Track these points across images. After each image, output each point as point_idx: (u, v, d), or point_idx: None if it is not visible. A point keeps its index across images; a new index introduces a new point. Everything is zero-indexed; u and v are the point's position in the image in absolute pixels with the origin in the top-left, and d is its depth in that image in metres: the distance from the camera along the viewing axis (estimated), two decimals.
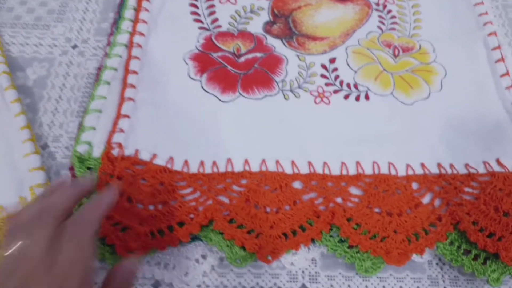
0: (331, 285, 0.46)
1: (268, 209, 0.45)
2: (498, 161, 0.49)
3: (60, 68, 0.58)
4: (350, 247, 0.45)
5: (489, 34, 0.58)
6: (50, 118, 0.54)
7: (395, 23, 0.61)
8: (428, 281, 0.46)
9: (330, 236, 0.45)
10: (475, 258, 0.45)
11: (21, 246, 0.29)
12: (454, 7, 0.62)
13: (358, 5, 0.62)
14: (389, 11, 0.62)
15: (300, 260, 0.46)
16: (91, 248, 0.31)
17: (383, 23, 0.61)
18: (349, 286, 0.46)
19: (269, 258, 0.43)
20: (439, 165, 0.49)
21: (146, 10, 0.58)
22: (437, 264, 0.47)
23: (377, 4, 0.63)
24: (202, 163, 0.47)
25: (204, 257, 0.46)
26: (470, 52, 0.58)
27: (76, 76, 0.57)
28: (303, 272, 0.46)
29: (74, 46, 0.59)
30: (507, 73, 0.55)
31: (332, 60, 0.57)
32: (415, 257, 0.46)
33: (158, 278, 0.45)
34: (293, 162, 0.48)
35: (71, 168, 0.48)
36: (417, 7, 0.63)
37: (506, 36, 0.63)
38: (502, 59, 0.56)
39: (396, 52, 0.58)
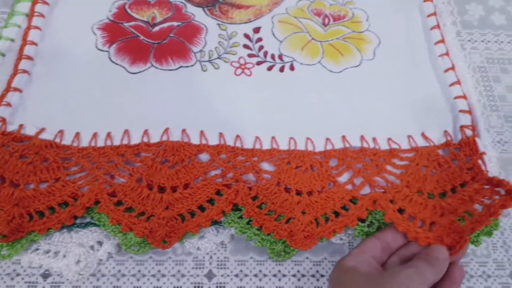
0: (241, 271, 0.42)
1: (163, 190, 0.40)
2: (423, 135, 0.45)
3: None
4: (260, 229, 0.40)
5: (425, 0, 0.54)
6: None
7: None
8: None
9: (239, 217, 0.41)
10: None
11: None
12: None
13: None
14: None
15: (208, 244, 0.42)
16: None
17: None
18: (260, 271, 0.42)
19: (165, 242, 0.39)
20: (362, 138, 0.45)
21: None
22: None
23: None
24: (94, 135, 0.43)
25: (100, 243, 0.41)
26: (405, 18, 0.54)
27: None
28: (211, 257, 0.42)
29: None
30: (442, 40, 0.51)
31: (256, 30, 0.52)
32: (335, 239, 0.42)
33: (47, 267, 0.40)
34: (202, 133, 0.44)
35: None
36: None
37: (449, 4, 0.59)
38: (438, 26, 0.52)
39: (326, 21, 0.54)
